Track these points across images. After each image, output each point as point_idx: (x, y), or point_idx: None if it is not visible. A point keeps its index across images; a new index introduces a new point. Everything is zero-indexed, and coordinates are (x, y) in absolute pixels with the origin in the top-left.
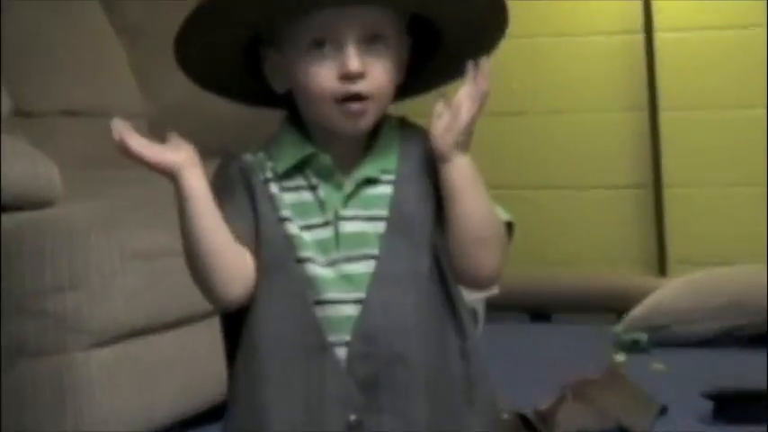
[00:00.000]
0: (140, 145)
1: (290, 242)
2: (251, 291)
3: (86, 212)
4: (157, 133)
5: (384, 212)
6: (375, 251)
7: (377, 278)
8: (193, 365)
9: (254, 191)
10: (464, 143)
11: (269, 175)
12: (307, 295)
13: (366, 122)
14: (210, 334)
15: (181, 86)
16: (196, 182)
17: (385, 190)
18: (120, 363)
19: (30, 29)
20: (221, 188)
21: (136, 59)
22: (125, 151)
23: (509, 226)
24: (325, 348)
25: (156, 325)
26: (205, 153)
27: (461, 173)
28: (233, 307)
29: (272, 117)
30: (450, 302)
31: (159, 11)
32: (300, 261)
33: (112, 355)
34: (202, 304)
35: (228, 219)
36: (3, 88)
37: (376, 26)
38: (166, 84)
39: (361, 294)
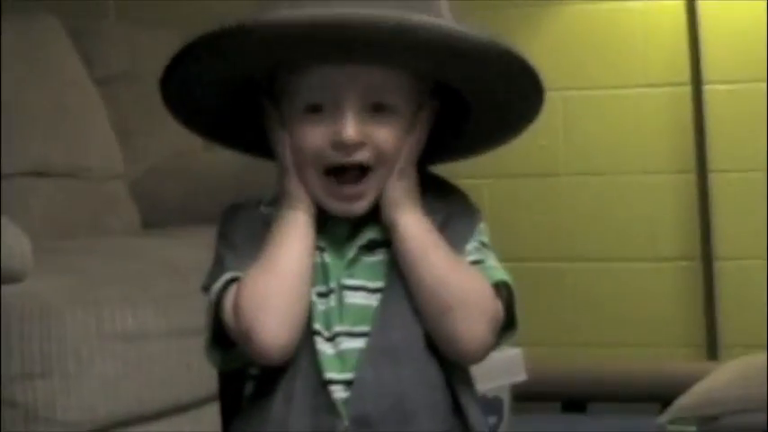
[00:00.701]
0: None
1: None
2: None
3: (61, 288)
4: (141, 197)
5: (381, 283)
6: (369, 327)
7: (368, 355)
8: None
9: None
10: (403, 201)
11: None
12: (320, 373)
13: (362, 207)
14: (197, 427)
15: (166, 145)
16: (311, 224)
17: (386, 256)
18: None
19: None
20: (249, 235)
21: (117, 115)
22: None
23: (506, 288)
24: None
25: (137, 416)
26: (192, 218)
27: (405, 234)
28: (278, 361)
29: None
30: (455, 380)
31: (146, 60)
32: (313, 333)
33: None
34: (188, 393)
35: None
36: None
37: (381, 93)
38: (151, 142)
39: (351, 375)
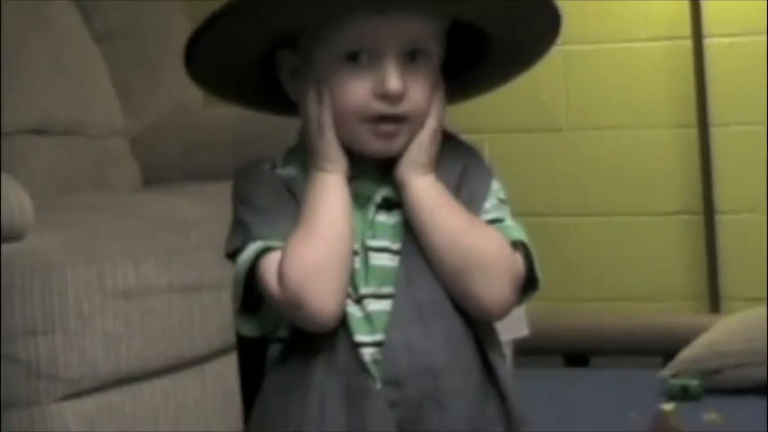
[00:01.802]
0: (329, 119)
1: None
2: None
3: (62, 244)
4: (140, 153)
5: (398, 244)
6: (393, 288)
7: (395, 317)
8: (180, 417)
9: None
10: (420, 165)
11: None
12: (350, 335)
13: (398, 145)
14: (199, 382)
15: (167, 102)
16: (346, 186)
17: (402, 217)
18: (100, 414)
19: None
20: (275, 198)
21: (117, 71)
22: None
23: (524, 247)
24: (371, 394)
25: (139, 372)
26: (192, 173)
27: (417, 196)
28: (327, 327)
29: (267, 134)
30: (481, 338)
31: (146, 16)
32: None
33: (91, 405)
34: (191, 349)
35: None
36: None
37: (419, 39)
38: (151, 99)
39: (381, 337)
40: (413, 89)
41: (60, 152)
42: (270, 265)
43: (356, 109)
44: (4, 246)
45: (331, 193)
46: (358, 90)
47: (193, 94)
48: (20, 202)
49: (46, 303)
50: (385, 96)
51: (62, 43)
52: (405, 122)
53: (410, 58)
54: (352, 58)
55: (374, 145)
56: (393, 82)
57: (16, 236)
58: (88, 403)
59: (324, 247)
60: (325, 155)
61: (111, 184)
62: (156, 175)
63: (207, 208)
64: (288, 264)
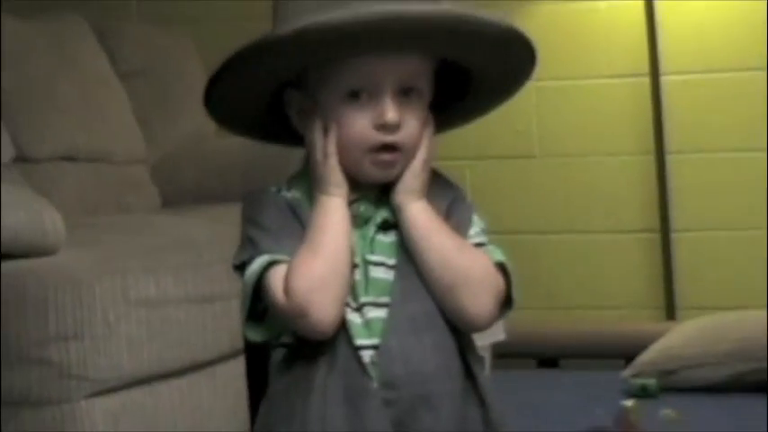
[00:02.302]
0: (333, 147)
1: None
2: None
3: (90, 260)
4: (159, 179)
5: (394, 260)
6: (389, 299)
7: (391, 325)
8: (196, 413)
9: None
10: (414, 192)
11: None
12: (350, 339)
13: (395, 172)
14: (213, 383)
15: (183, 133)
16: (347, 208)
17: (397, 237)
18: (124, 411)
19: (32, 74)
20: (281, 219)
21: (139, 105)
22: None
23: (505, 268)
24: (370, 394)
25: (159, 373)
26: (206, 197)
27: (413, 219)
28: (327, 335)
29: (271, 162)
30: (463, 346)
31: (163, 57)
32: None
33: (116, 403)
34: (204, 353)
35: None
36: (4, 135)
37: (411, 78)
38: (169, 130)
39: (378, 341)
40: (407, 121)
41: (88, 177)
42: (276, 277)
43: (359, 139)
44: (37, 261)
45: (333, 214)
46: (360, 123)
47: (206, 125)
48: (53, 221)
49: (76, 312)
50: (383, 127)
51: (90, 81)
52: (400, 151)
53: (404, 94)
54: (354, 95)
55: (375, 173)
56: (390, 114)
57: (49, 252)
58: (113, 400)
59: (327, 262)
60: (328, 180)
61: (132, 207)
62: (173, 199)
63: (218, 228)
64: (294, 276)
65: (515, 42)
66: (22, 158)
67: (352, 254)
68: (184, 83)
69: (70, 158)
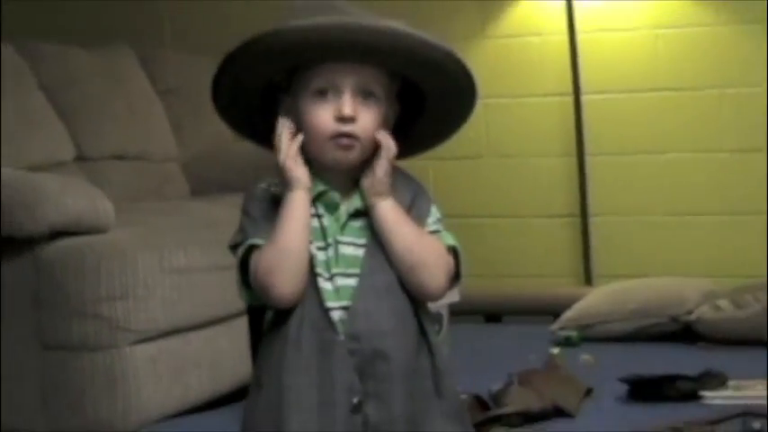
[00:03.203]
0: (294, 149)
1: (311, 260)
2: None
3: (133, 237)
4: (190, 174)
5: (364, 240)
6: (359, 270)
7: (359, 292)
8: (217, 358)
9: None
10: (381, 192)
11: None
12: (323, 302)
13: (353, 156)
14: (230, 334)
15: (207, 139)
16: (307, 199)
17: (366, 222)
18: (160, 355)
19: (90, 91)
20: (264, 210)
21: (173, 116)
22: (288, 143)
23: (455, 251)
24: (336, 344)
25: (187, 326)
26: (225, 188)
27: (385, 216)
28: (289, 305)
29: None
30: (418, 311)
31: (192, 78)
32: (315, 275)
33: (153, 349)
34: (223, 310)
35: None
36: (69, 138)
37: (368, 83)
38: (196, 136)
39: (347, 303)
40: (362, 117)
41: (132, 172)
42: (253, 259)
43: (323, 128)
44: (92, 237)
45: (294, 208)
46: (324, 115)
47: (226, 133)
48: (104, 207)
49: (122, 278)
50: (341, 119)
51: (134, 97)
52: (357, 139)
53: (363, 96)
54: (322, 93)
55: (336, 154)
56: (347, 109)
57: (102, 230)
58: (151, 347)
59: (280, 250)
60: (290, 177)
61: (167, 195)
62: (199, 189)
63: (235, 211)
64: (257, 263)
65: (454, 65)
66: (81, 158)
67: (325, 235)
68: (209, 98)
69: (119, 157)
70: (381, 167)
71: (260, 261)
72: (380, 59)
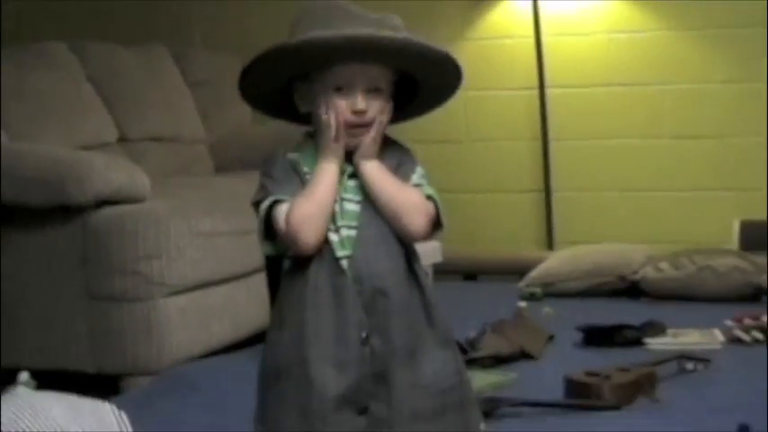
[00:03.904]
0: (341, 131)
1: None
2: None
3: (166, 206)
4: (215, 154)
5: (360, 197)
6: (356, 223)
7: (359, 240)
8: (236, 309)
9: (302, 178)
10: (368, 155)
11: (305, 169)
12: (333, 252)
13: (363, 139)
14: (248, 288)
15: (230, 124)
16: (338, 170)
17: (360, 182)
18: (189, 305)
19: (131, 83)
20: (284, 172)
21: (201, 104)
22: (335, 125)
23: (434, 200)
24: (347, 287)
25: (212, 281)
26: (245, 165)
27: (369, 173)
28: (312, 251)
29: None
30: (409, 254)
31: (218, 71)
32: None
33: (183, 301)
34: (243, 268)
35: (295, 195)
36: (113, 122)
37: (376, 81)
38: (221, 121)
39: (350, 252)
40: (371, 108)
41: (166, 152)
42: (278, 212)
43: (340, 119)
44: (131, 206)
45: (327, 174)
46: (342, 107)
47: (247, 118)
48: (142, 180)
49: (157, 240)
50: (355, 112)
51: (168, 88)
52: (365, 128)
53: (371, 91)
54: (339, 89)
55: (349, 141)
56: (360, 104)
57: (140, 200)
58: (181, 299)
59: (313, 206)
60: (330, 148)
61: (195, 172)
62: (223, 167)
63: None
64: (292, 213)
65: (447, 62)
66: (122, 139)
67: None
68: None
69: (155, 139)
70: (369, 136)
71: (293, 212)
72: (389, 62)
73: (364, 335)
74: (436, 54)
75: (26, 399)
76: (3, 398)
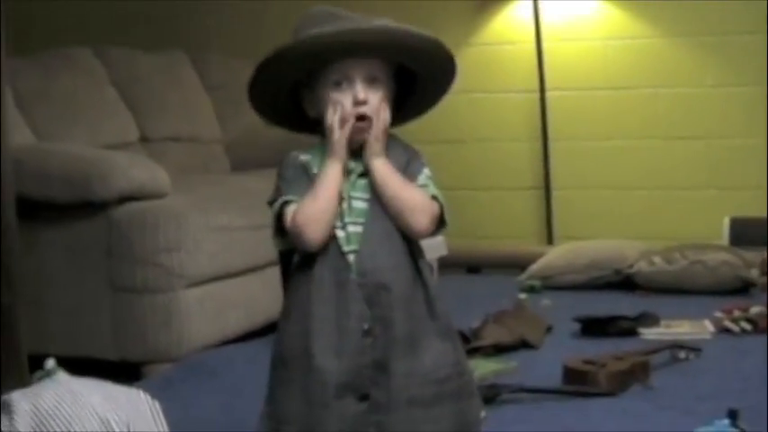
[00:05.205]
0: (345, 133)
1: None
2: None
3: (185, 202)
4: (231, 153)
5: (369, 195)
6: (364, 220)
7: (364, 237)
8: (251, 300)
9: (312, 179)
10: (375, 152)
11: (315, 170)
12: (339, 247)
13: (366, 135)
14: (262, 280)
15: (246, 124)
16: (342, 171)
17: (369, 181)
18: (206, 296)
19: (152, 86)
20: (295, 174)
21: (217, 106)
22: (340, 128)
23: (438, 199)
24: (349, 281)
25: (228, 273)
26: (259, 164)
27: (377, 171)
28: (317, 248)
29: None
30: (413, 251)
31: (234, 75)
32: (333, 226)
33: (201, 292)
34: (256, 261)
35: (304, 194)
36: (135, 123)
37: (374, 71)
38: (237, 122)
39: (356, 247)
40: (371, 99)
41: (185, 151)
42: (287, 211)
43: (342, 113)
44: (152, 202)
45: (331, 175)
46: (342, 100)
47: (260, 121)
48: (162, 178)
49: (176, 234)
50: (357, 102)
51: (187, 91)
52: (369, 122)
53: (370, 82)
54: (338, 84)
55: (354, 137)
56: (361, 94)
57: (161, 196)
58: (199, 290)
59: (318, 206)
60: (334, 148)
61: (212, 170)
62: (238, 166)
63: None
64: (297, 212)
65: (440, 51)
66: (144, 139)
67: (341, 195)
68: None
69: (174, 139)
70: (376, 130)
71: (299, 212)
72: (382, 52)
73: (366, 326)
74: (422, 39)
75: (66, 385)
76: (45, 383)
